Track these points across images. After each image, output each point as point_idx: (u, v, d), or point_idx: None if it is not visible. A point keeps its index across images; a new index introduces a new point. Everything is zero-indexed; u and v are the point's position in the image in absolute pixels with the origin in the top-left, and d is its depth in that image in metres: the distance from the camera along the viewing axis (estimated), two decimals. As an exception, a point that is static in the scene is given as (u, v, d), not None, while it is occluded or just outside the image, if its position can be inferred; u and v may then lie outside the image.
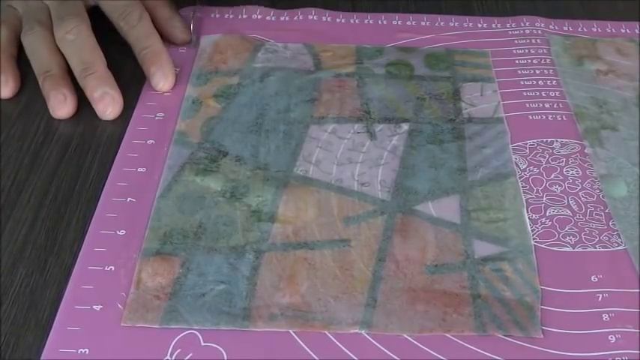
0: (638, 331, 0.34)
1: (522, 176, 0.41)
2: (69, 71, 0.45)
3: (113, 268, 0.36)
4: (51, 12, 0.47)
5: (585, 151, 0.43)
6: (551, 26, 0.52)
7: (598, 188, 0.41)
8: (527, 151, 0.43)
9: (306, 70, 0.48)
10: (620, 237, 0.38)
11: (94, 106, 0.44)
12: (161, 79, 0.45)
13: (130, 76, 0.46)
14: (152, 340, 0.33)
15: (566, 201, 0.40)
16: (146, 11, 0.47)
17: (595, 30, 0.52)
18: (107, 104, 0.44)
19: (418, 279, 0.36)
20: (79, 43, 0.44)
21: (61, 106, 0.44)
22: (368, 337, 0.33)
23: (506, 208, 0.39)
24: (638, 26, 0.53)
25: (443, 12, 0.53)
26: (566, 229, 0.38)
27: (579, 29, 0.52)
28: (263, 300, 0.34)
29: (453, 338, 0.33)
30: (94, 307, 0.34)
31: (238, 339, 0.33)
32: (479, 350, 0.33)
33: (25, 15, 0.48)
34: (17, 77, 0.46)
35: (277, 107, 0.45)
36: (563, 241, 0.38)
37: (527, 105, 0.46)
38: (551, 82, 0.48)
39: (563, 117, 0.45)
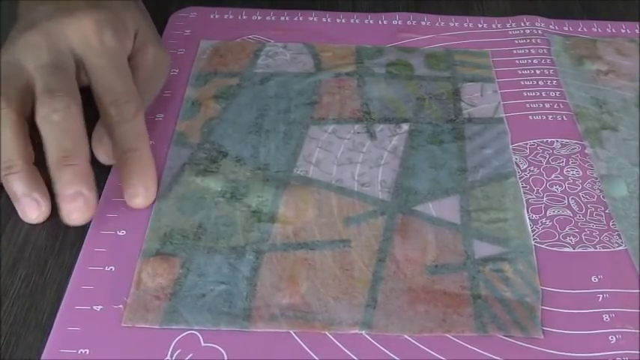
0: (638, 331, 0.34)
1: (522, 176, 0.41)
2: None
3: (113, 268, 0.36)
4: (37, 82, 0.38)
5: (585, 151, 0.43)
6: (551, 26, 0.52)
7: (598, 188, 0.41)
8: (528, 151, 0.43)
9: (306, 73, 0.48)
10: (620, 237, 0.38)
11: (59, 204, 0.36)
12: (140, 195, 0.38)
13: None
14: (152, 341, 0.33)
15: (566, 201, 0.40)
16: (143, 109, 0.40)
17: (595, 30, 0.52)
18: (77, 207, 0.36)
19: (418, 279, 0.36)
20: (64, 126, 0.37)
21: (33, 211, 0.37)
22: (368, 337, 0.33)
23: (506, 209, 0.39)
24: (638, 26, 0.53)
25: (443, 12, 0.53)
26: (566, 229, 0.38)
27: (579, 29, 0.52)
28: (263, 300, 0.34)
29: (454, 339, 0.33)
30: (94, 307, 0.34)
31: (238, 339, 0.33)
32: (479, 350, 0.33)
33: None
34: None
35: (277, 108, 0.45)
36: (564, 242, 0.38)
37: (528, 105, 0.46)
38: (551, 82, 0.48)
39: (564, 117, 0.45)
